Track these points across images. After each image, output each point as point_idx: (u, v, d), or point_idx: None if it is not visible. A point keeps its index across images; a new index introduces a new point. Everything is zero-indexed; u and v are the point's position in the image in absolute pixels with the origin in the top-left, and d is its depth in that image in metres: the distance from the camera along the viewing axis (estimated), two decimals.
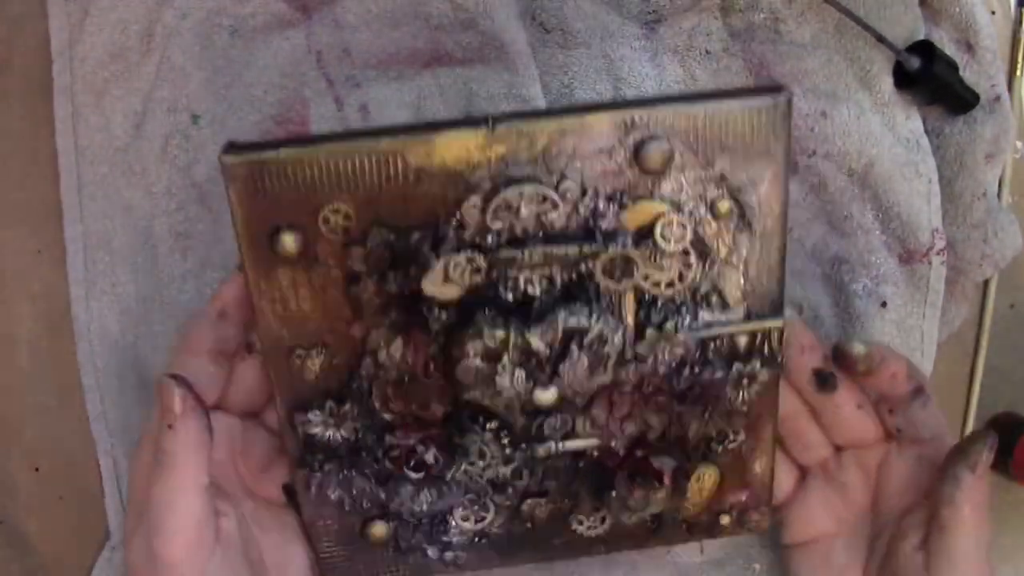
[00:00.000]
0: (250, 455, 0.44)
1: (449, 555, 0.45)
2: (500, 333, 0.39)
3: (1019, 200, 0.58)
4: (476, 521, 0.44)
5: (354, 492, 0.43)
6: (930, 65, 0.51)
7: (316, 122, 0.51)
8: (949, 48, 0.53)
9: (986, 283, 0.58)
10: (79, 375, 0.52)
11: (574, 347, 0.39)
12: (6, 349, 0.52)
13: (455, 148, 0.38)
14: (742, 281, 0.41)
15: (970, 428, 0.59)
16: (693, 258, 0.40)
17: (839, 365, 0.44)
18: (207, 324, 0.42)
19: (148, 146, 0.51)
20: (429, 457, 0.42)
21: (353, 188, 0.38)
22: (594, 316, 0.40)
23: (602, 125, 0.38)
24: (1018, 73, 0.56)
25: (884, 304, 0.53)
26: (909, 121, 0.53)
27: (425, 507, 0.44)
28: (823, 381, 0.44)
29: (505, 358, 0.39)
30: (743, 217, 0.40)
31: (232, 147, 0.38)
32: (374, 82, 0.51)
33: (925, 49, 0.51)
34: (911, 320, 0.54)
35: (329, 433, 0.42)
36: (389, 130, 0.38)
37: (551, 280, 0.39)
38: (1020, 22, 0.57)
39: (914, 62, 0.51)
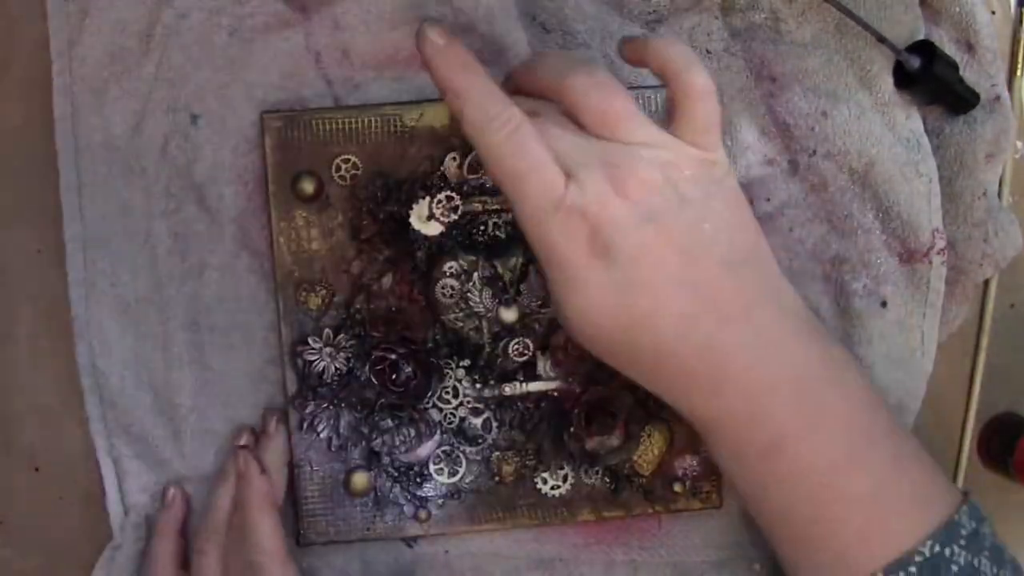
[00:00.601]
0: None
1: (423, 512, 0.50)
2: (471, 257, 0.48)
3: (1019, 200, 0.58)
4: (450, 475, 0.50)
5: (341, 429, 0.49)
6: (930, 65, 0.51)
7: None
8: (949, 48, 0.53)
9: (986, 283, 0.58)
10: (79, 375, 0.52)
11: (531, 270, 0.49)
12: (6, 349, 0.53)
13: (440, 114, 0.49)
14: None
15: (970, 428, 0.59)
16: None
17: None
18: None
19: (147, 146, 0.51)
20: (408, 370, 0.49)
21: (361, 142, 0.49)
22: None
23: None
24: (1018, 73, 0.56)
25: (884, 304, 0.53)
26: (909, 121, 0.53)
27: (404, 448, 0.50)
28: None
29: (475, 276, 0.48)
30: None
31: (270, 110, 0.49)
32: (373, 83, 0.51)
33: (926, 49, 0.51)
34: (911, 320, 0.54)
35: (324, 363, 0.49)
36: (392, 103, 0.50)
37: (514, 224, 0.49)
38: (1020, 22, 0.56)
39: (914, 62, 0.51)
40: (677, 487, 0.52)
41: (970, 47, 0.53)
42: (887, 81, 0.52)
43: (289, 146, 0.48)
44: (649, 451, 0.51)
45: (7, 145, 0.52)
